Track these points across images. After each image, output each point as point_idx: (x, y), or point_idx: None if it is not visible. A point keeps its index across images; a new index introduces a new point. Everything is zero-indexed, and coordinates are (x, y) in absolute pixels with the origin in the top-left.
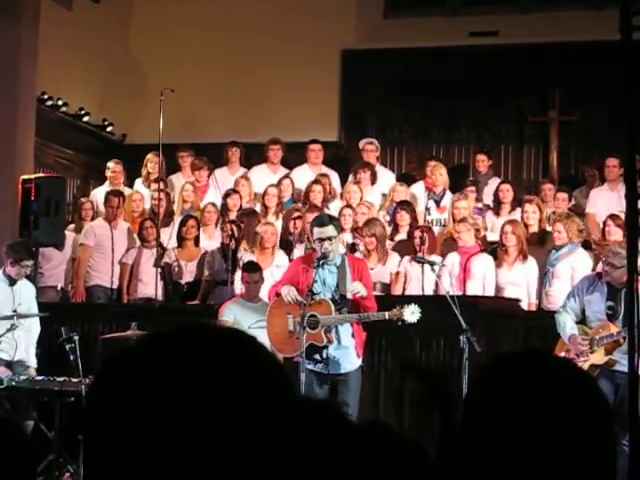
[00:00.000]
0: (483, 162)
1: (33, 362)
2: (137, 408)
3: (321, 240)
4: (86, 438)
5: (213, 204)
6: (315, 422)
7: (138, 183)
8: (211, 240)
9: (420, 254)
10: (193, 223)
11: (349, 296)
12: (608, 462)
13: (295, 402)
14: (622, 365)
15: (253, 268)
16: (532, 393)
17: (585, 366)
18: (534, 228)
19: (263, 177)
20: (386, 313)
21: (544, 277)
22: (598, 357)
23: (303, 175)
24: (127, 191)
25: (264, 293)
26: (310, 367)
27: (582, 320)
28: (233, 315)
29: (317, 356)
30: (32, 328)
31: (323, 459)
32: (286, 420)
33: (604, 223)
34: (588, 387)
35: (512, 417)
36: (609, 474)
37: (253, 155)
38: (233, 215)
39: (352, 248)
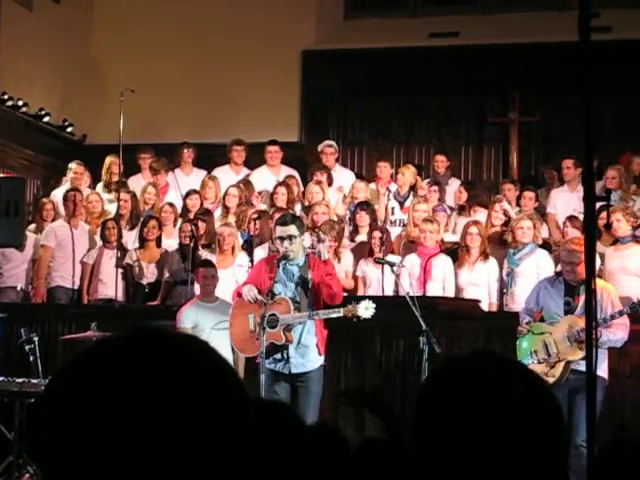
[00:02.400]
0: (442, 162)
1: None
2: (90, 415)
3: (282, 239)
4: (39, 445)
5: (171, 204)
6: (267, 425)
7: (99, 187)
8: (169, 239)
9: (380, 255)
10: (154, 224)
11: (308, 297)
12: (559, 467)
13: (247, 406)
14: (576, 364)
15: (208, 263)
16: (482, 397)
17: (560, 366)
18: (497, 228)
19: (226, 178)
20: (341, 309)
21: (506, 277)
22: (573, 352)
23: (262, 176)
24: (88, 192)
25: (221, 292)
26: (271, 367)
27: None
28: (190, 320)
29: (277, 355)
30: None
31: (274, 460)
32: (238, 423)
33: (563, 224)
34: (539, 389)
35: (461, 421)
36: (561, 472)
37: (212, 155)
38: (192, 215)
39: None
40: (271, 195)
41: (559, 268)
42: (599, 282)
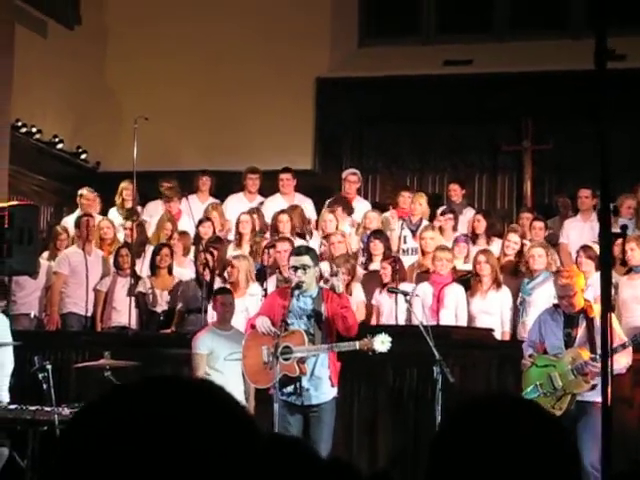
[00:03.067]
0: (456, 191)
1: (5, 397)
2: (105, 464)
3: (295, 269)
4: None
5: (182, 232)
6: (282, 462)
7: (113, 212)
8: (181, 268)
9: (392, 284)
10: (167, 252)
11: (322, 330)
12: None
13: (260, 450)
14: (580, 395)
15: (226, 290)
16: (498, 441)
17: (566, 399)
18: (511, 258)
19: (240, 206)
20: (357, 343)
21: (519, 306)
22: (579, 385)
23: (275, 205)
24: (100, 218)
25: (236, 322)
26: (283, 398)
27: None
28: (207, 347)
29: (290, 387)
30: (6, 363)
31: None
32: (251, 469)
33: (577, 254)
34: (555, 433)
35: (479, 465)
36: None
37: (225, 183)
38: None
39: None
40: (274, 224)
41: (556, 300)
42: (598, 308)
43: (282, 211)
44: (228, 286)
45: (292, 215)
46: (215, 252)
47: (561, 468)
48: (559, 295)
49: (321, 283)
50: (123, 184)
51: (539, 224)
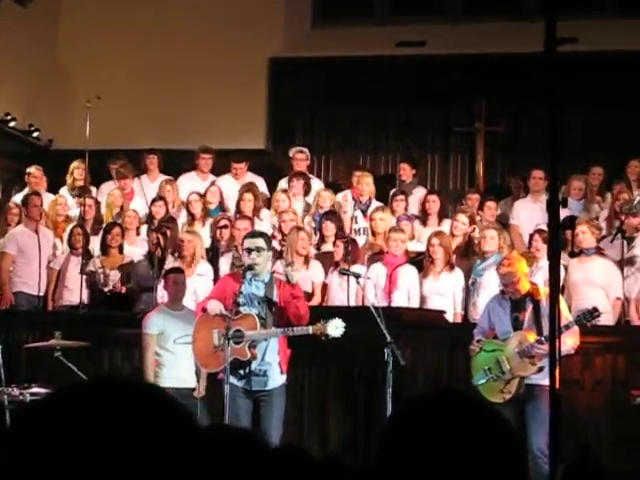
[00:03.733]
0: (405, 171)
1: None
2: (47, 463)
3: (249, 250)
4: None
5: (134, 210)
6: (232, 450)
7: (63, 190)
8: (132, 247)
9: (345, 266)
10: (118, 231)
11: (273, 315)
12: None
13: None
14: (528, 378)
15: (178, 269)
16: (443, 438)
17: (514, 382)
18: (459, 239)
19: (192, 185)
20: (310, 327)
21: (471, 287)
22: (525, 368)
23: (228, 184)
24: (49, 196)
25: (186, 300)
26: (234, 382)
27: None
28: (157, 327)
29: (241, 371)
30: None
31: None
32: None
33: (531, 237)
34: (500, 428)
35: (423, 462)
36: None
37: (180, 161)
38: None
39: (279, 255)
40: (237, 201)
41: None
42: (546, 291)
43: (247, 189)
44: (179, 265)
45: (256, 194)
46: (168, 231)
47: (507, 462)
48: (503, 283)
49: (275, 275)
50: (74, 163)
51: (491, 204)
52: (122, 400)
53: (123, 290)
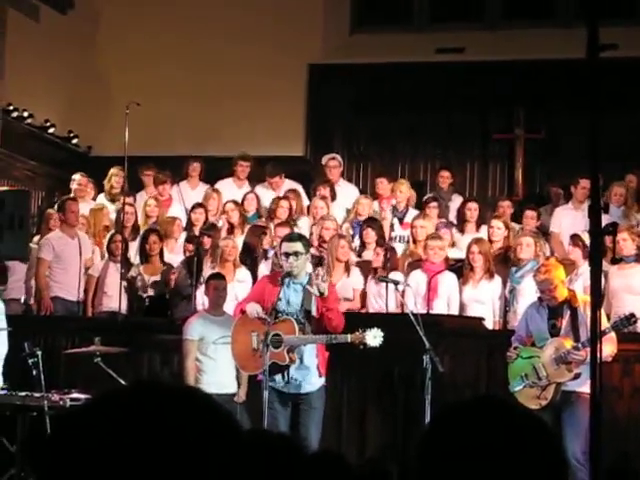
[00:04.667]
0: (446, 178)
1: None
2: (91, 468)
3: (287, 255)
4: None
5: (178, 218)
6: (271, 456)
7: (101, 197)
8: (173, 254)
9: (384, 273)
10: (155, 239)
11: (313, 311)
12: None
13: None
14: (564, 385)
15: (219, 276)
16: (483, 444)
17: (551, 388)
18: (498, 245)
19: (229, 192)
20: (349, 336)
21: (509, 295)
22: (561, 374)
23: (265, 192)
24: (92, 204)
25: (227, 307)
26: (272, 385)
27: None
28: (197, 332)
29: (279, 375)
30: (0, 347)
31: None
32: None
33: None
34: (541, 434)
35: (464, 469)
36: None
37: (218, 169)
38: (197, 230)
39: (319, 261)
40: (273, 209)
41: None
42: (584, 298)
43: (284, 197)
44: (219, 271)
45: (292, 200)
46: (207, 239)
47: (547, 469)
48: (540, 290)
49: (307, 287)
50: (112, 170)
51: (531, 213)
52: (163, 404)
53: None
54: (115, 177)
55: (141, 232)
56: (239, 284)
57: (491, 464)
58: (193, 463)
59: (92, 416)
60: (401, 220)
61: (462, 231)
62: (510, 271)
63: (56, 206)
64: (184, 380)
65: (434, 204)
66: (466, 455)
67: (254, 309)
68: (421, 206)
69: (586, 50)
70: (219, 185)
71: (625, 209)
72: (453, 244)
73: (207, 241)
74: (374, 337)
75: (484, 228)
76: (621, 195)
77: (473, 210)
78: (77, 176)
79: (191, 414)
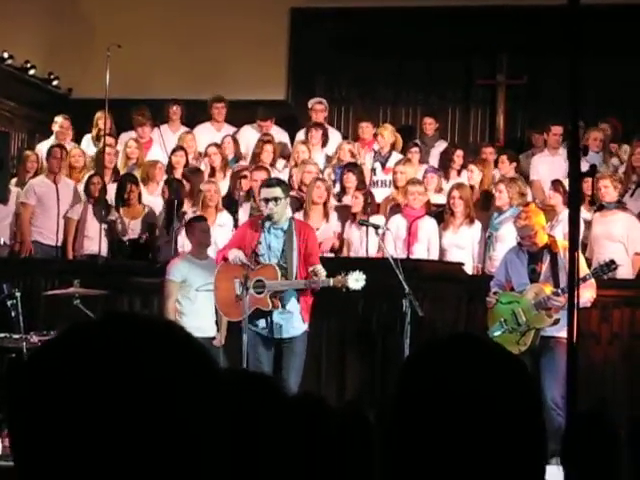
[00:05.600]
0: (430, 125)
1: None
2: (64, 402)
3: (267, 200)
4: (12, 431)
5: (159, 161)
6: (248, 394)
7: (87, 139)
8: (153, 196)
9: (363, 216)
10: (132, 188)
11: (294, 264)
12: (538, 451)
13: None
14: (543, 330)
15: (202, 218)
16: (460, 380)
17: (530, 334)
18: (476, 191)
19: (207, 135)
20: (331, 280)
21: (488, 240)
22: (541, 320)
23: (205, 132)
24: (71, 146)
25: (209, 252)
26: (256, 330)
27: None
28: (181, 275)
29: (262, 320)
30: None
31: (256, 433)
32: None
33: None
34: (519, 374)
35: (441, 405)
36: (539, 463)
37: (199, 113)
38: (178, 172)
39: (300, 205)
40: (257, 153)
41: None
42: (564, 243)
43: (267, 141)
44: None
45: (275, 145)
46: (185, 182)
47: (523, 407)
48: (520, 236)
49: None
50: (98, 114)
51: (502, 158)
52: (135, 336)
53: (144, 238)
54: (101, 120)
55: (122, 172)
56: (220, 228)
57: (467, 401)
58: (165, 397)
59: (61, 348)
60: (383, 165)
61: (447, 177)
62: (491, 216)
63: (45, 151)
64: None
65: (415, 149)
66: (442, 392)
67: (236, 256)
68: (404, 152)
69: None
70: (197, 129)
71: (604, 154)
72: (440, 190)
73: (187, 184)
74: (356, 280)
75: (465, 174)
76: (601, 140)
77: (459, 157)
78: (59, 118)
79: (165, 347)
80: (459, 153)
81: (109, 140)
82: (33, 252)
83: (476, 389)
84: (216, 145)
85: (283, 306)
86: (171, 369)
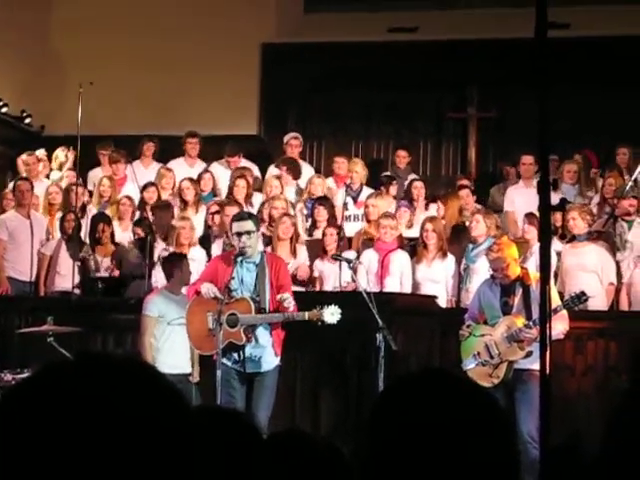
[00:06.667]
0: (404, 158)
1: None
2: (39, 442)
3: (239, 234)
4: None
5: (129, 197)
6: (223, 434)
7: (54, 175)
8: (125, 233)
9: (334, 252)
10: (104, 227)
11: (267, 298)
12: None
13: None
14: (517, 363)
15: (183, 255)
16: (433, 415)
17: (503, 366)
18: (446, 223)
19: (181, 170)
20: (306, 313)
21: (463, 273)
22: (513, 353)
23: (219, 171)
24: (45, 182)
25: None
26: (228, 364)
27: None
28: (158, 310)
29: (235, 354)
30: None
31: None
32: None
33: (522, 221)
34: (489, 408)
35: (414, 440)
36: None
37: (171, 148)
38: (149, 208)
39: (269, 241)
40: (230, 187)
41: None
42: (537, 276)
43: (240, 175)
44: (173, 250)
45: (248, 180)
46: (158, 215)
47: (495, 441)
48: (493, 268)
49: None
50: (59, 149)
51: (465, 191)
52: (107, 377)
53: (116, 274)
54: (62, 153)
55: (91, 214)
56: (192, 263)
57: (439, 436)
58: (137, 437)
59: (34, 388)
60: (355, 199)
61: (412, 210)
62: (466, 248)
63: (10, 185)
64: (143, 356)
65: (394, 182)
66: (415, 427)
67: (209, 289)
68: (376, 185)
69: (535, 28)
70: (171, 165)
71: (580, 187)
72: (412, 224)
73: (159, 218)
74: (332, 314)
75: (433, 207)
76: (575, 172)
77: (419, 188)
78: (24, 156)
79: (136, 388)
80: (420, 184)
81: (74, 175)
82: (9, 291)
83: (447, 424)
84: (190, 180)
85: (256, 340)
86: (143, 409)
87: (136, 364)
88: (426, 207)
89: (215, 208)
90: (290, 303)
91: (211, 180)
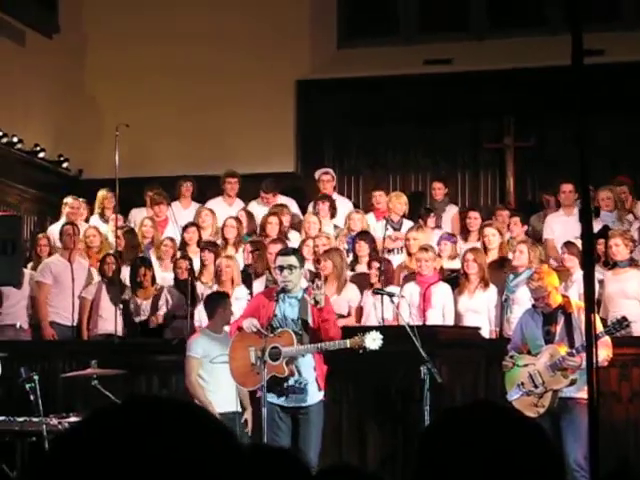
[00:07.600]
0: (440, 190)
1: None
2: None
3: (282, 268)
4: None
5: (171, 239)
6: (273, 471)
7: (95, 219)
8: (166, 272)
9: (378, 285)
10: (145, 271)
11: (310, 322)
12: None
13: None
14: (561, 391)
15: (226, 295)
16: (482, 447)
17: (548, 395)
18: (494, 253)
19: (220, 210)
20: (348, 341)
21: (504, 303)
22: (557, 381)
23: (257, 209)
24: (85, 226)
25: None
26: (272, 400)
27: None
28: (202, 349)
29: (279, 388)
30: None
31: None
32: None
33: (561, 250)
34: (537, 438)
35: (463, 473)
36: None
37: (208, 188)
38: (191, 249)
39: (314, 277)
40: (262, 225)
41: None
42: (578, 303)
43: (272, 213)
44: (218, 290)
45: (282, 216)
46: (204, 255)
47: (545, 471)
48: (534, 297)
49: (305, 296)
50: (101, 193)
51: (515, 219)
52: (157, 420)
53: (160, 320)
54: (105, 200)
55: (133, 258)
56: (236, 301)
57: (490, 468)
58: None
59: (85, 435)
60: (397, 232)
61: (465, 240)
62: (507, 278)
63: (49, 229)
64: (195, 397)
65: (432, 216)
66: (465, 459)
67: (251, 324)
68: (416, 218)
69: (571, 56)
70: (209, 204)
71: (618, 213)
72: (455, 256)
73: (206, 258)
74: (373, 340)
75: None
76: (609, 199)
77: (474, 219)
78: (69, 199)
79: (187, 430)
80: (474, 215)
81: (120, 220)
82: (55, 336)
83: (498, 455)
84: (235, 219)
85: (299, 372)
86: (196, 452)
87: (185, 406)
88: (478, 237)
89: (255, 246)
90: (320, 297)
91: (245, 218)
